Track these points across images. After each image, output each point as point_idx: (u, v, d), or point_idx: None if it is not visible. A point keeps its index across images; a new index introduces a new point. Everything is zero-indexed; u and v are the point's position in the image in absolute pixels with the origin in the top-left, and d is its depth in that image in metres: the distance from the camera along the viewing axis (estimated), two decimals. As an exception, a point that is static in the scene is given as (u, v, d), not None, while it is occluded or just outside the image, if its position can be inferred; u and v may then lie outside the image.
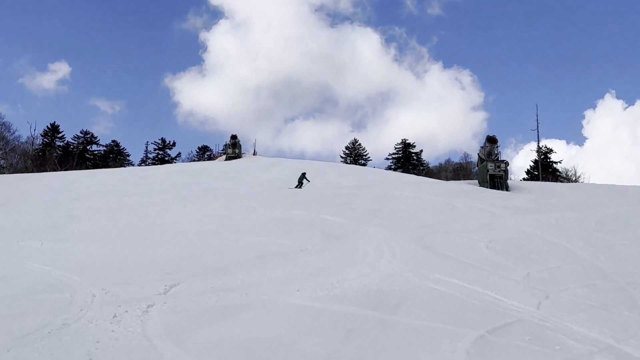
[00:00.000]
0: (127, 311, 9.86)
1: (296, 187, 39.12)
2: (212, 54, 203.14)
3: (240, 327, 9.36)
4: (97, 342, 8.40)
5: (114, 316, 9.59)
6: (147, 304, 10.31)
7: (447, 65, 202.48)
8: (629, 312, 11.28)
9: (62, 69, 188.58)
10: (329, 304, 10.82)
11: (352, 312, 10.35)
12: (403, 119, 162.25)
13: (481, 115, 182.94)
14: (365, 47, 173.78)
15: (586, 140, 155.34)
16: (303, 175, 41.54)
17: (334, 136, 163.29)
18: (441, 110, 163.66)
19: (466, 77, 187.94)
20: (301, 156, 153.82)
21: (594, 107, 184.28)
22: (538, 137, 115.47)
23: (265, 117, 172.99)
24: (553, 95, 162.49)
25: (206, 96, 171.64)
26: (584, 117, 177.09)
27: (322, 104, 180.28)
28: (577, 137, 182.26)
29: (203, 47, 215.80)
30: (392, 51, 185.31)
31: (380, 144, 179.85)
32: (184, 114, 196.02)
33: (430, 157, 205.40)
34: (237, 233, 18.37)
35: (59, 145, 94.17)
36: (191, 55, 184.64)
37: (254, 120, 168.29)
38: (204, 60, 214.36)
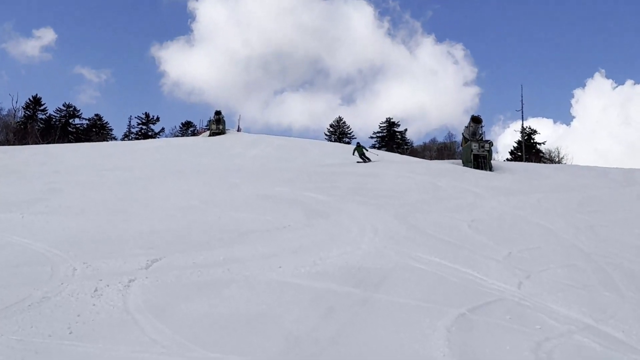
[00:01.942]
0: (108, 285, 9.83)
1: (364, 161, 36.91)
2: (201, 24, 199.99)
3: (221, 303, 9.36)
4: (78, 316, 8.38)
5: (95, 290, 9.56)
6: (129, 278, 10.28)
7: (439, 39, 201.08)
8: (608, 293, 11.38)
9: (47, 35, 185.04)
10: (310, 280, 10.84)
11: (333, 289, 10.37)
12: (394, 93, 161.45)
13: (473, 90, 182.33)
14: (359, 20, 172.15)
15: (574, 120, 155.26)
16: (361, 148, 38.31)
17: (323, 110, 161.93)
18: (433, 85, 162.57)
19: (459, 51, 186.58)
20: (288, 131, 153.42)
21: (583, 86, 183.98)
22: (522, 118, 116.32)
23: (254, 89, 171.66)
24: (544, 73, 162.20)
25: (194, 67, 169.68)
26: (573, 96, 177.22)
27: (312, 76, 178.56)
28: (564, 117, 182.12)
29: (192, 17, 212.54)
30: (386, 25, 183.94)
31: (370, 117, 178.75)
32: (170, 84, 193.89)
33: (420, 133, 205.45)
34: (219, 209, 18.32)
35: (41, 118, 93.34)
36: (179, 24, 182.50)
37: (242, 92, 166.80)
38: (192, 30, 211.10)
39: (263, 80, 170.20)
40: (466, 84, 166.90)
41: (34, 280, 10.01)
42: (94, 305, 8.87)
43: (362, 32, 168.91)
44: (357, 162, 36.47)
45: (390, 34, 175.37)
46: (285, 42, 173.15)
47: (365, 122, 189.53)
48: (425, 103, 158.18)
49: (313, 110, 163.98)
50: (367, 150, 38.62)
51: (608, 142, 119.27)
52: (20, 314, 8.37)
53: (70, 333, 7.72)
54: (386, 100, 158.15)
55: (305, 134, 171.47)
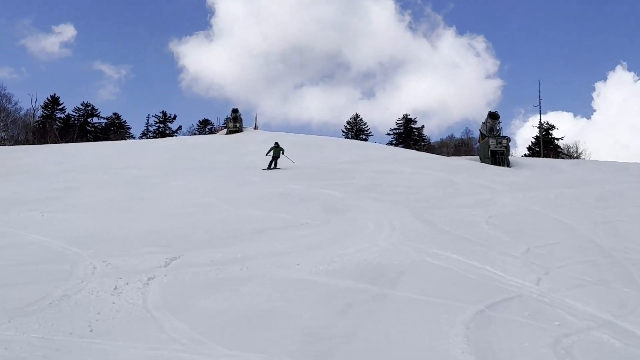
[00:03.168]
0: (127, 283, 9.91)
1: (270, 166, 31.37)
2: (220, 19, 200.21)
3: (239, 300, 9.41)
4: (98, 314, 8.45)
5: (115, 288, 9.64)
6: (148, 276, 10.35)
7: (460, 31, 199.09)
8: (627, 288, 11.31)
9: (67, 31, 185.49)
10: (327, 277, 10.86)
11: (350, 286, 10.38)
12: (415, 86, 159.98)
13: (495, 83, 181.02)
14: (379, 13, 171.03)
15: (594, 113, 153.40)
16: (278, 147, 32.52)
17: (343, 104, 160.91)
18: (455, 78, 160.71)
19: (480, 43, 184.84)
20: (307, 125, 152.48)
21: (604, 79, 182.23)
22: (540, 113, 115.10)
23: (273, 83, 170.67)
24: (565, 65, 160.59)
25: (213, 62, 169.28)
26: (594, 89, 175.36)
27: (332, 70, 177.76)
28: (585, 110, 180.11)
29: (211, 12, 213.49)
30: (407, 18, 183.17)
31: (390, 111, 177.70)
32: (189, 80, 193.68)
33: (441, 127, 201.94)
34: (237, 206, 18.39)
35: (60, 117, 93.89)
36: (198, 19, 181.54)
37: (261, 87, 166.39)
38: (211, 25, 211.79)
39: (282, 74, 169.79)
40: (488, 76, 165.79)
41: (54, 279, 10.10)
42: (113, 303, 8.95)
43: (382, 26, 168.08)
44: (262, 169, 31.02)
45: (412, 27, 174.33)
46: (304, 36, 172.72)
47: (385, 116, 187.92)
48: (447, 96, 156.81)
49: (333, 104, 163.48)
50: (283, 154, 32.31)
51: (630, 135, 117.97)
52: (41, 312, 8.45)
53: (90, 331, 7.79)
54: (407, 94, 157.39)
55: (324, 128, 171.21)
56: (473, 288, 10.72)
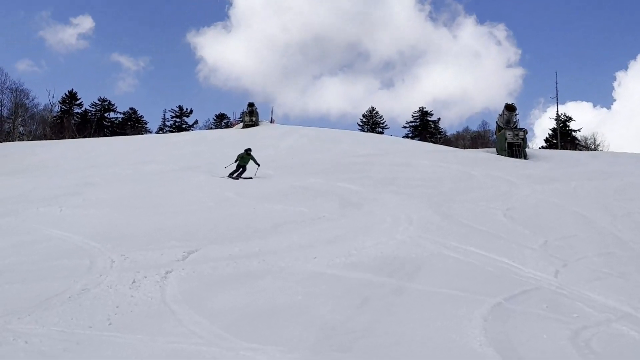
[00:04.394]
0: (146, 277, 9.96)
1: (234, 174, 26.35)
2: (238, 10, 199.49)
3: (257, 294, 9.43)
4: (117, 307, 8.50)
5: (133, 282, 9.69)
6: (166, 270, 10.40)
7: (481, 20, 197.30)
8: (647, 281, 11.25)
9: (85, 23, 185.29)
10: (345, 271, 10.86)
11: (368, 279, 10.38)
12: (435, 76, 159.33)
13: (517, 72, 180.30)
14: (400, 3, 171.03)
15: (614, 103, 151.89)
16: (248, 155, 27.38)
17: (362, 94, 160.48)
18: (476, 68, 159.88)
19: (501, 32, 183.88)
20: (326, 116, 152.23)
21: (625, 68, 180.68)
22: (557, 105, 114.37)
23: (292, 74, 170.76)
24: (585, 54, 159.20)
25: (231, 53, 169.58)
26: (615, 79, 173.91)
27: (352, 59, 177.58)
28: (605, 100, 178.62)
29: (229, 2, 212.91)
30: (427, 8, 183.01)
31: (411, 101, 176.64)
32: (207, 71, 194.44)
33: (462, 117, 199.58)
34: (253, 200, 18.43)
35: (77, 113, 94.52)
36: (216, 10, 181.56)
37: (280, 78, 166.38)
38: (229, 17, 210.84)
39: (302, 65, 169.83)
40: (509, 65, 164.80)
41: (73, 273, 10.17)
42: (132, 296, 8.99)
43: (403, 16, 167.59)
44: (227, 176, 26.32)
45: (432, 17, 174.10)
46: (324, 26, 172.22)
47: (405, 106, 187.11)
48: (468, 86, 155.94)
49: (352, 94, 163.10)
50: (255, 162, 26.96)
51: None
52: (60, 305, 8.51)
53: (109, 324, 7.84)
54: (427, 84, 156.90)
55: (343, 119, 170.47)
56: (491, 281, 10.69)
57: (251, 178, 25.58)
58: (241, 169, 26.57)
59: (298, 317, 8.39)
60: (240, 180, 24.63)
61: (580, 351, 7.48)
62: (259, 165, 26.57)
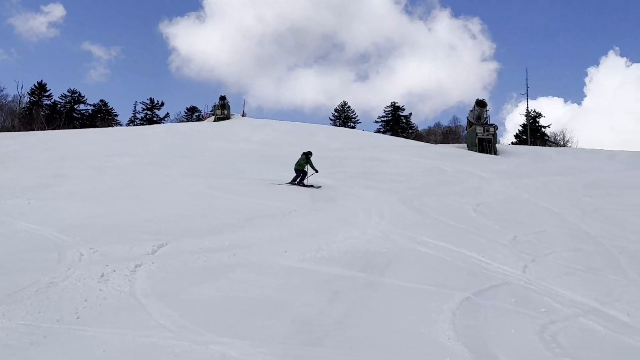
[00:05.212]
0: (115, 270, 9.86)
1: (297, 181, 22.23)
2: (212, 0, 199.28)
3: (228, 287, 9.39)
4: (85, 301, 8.41)
5: (102, 275, 9.59)
6: (135, 263, 10.31)
7: (455, 13, 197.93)
8: (614, 276, 11.40)
9: (55, 11, 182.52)
10: (317, 265, 10.87)
11: (340, 273, 10.40)
12: (411, 69, 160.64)
13: (492, 66, 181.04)
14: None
15: (585, 99, 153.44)
16: (307, 159, 22.78)
17: (337, 86, 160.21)
18: (451, 61, 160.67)
19: (476, 25, 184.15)
20: (300, 108, 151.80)
21: (597, 64, 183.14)
22: (527, 101, 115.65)
23: (266, 65, 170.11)
24: (558, 50, 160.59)
25: (205, 43, 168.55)
26: (586, 75, 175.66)
27: (327, 51, 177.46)
28: (576, 96, 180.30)
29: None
30: (403, 0, 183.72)
31: (386, 94, 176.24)
32: (180, 62, 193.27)
33: (436, 110, 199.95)
34: (226, 194, 18.35)
35: (47, 104, 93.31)
36: (190, 0, 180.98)
37: (254, 69, 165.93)
38: (203, 7, 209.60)
39: (276, 56, 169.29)
40: (484, 59, 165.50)
41: (41, 266, 10.04)
42: (100, 290, 8.91)
43: (378, 8, 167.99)
44: (288, 183, 22.16)
45: (408, 10, 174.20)
46: (300, 17, 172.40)
47: (380, 98, 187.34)
48: (443, 79, 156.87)
49: (327, 86, 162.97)
50: (312, 168, 22.58)
51: (625, 121, 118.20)
52: (28, 299, 8.41)
53: (77, 318, 7.75)
54: (403, 76, 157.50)
55: (317, 111, 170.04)
56: (461, 275, 10.78)
57: (311, 186, 21.58)
58: (301, 175, 22.22)
59: (269, 311, 8.38)
60: (213, 173, 24.40)
61: (548, 345, 7.56)
62: (316, 171, 22.31)
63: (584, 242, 14.14)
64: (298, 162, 22.54)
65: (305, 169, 22.18)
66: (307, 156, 22.62)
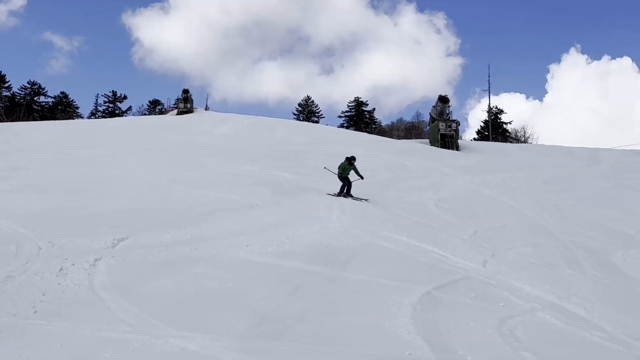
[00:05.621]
0: (74, 264, 9.75)
1: (344, 192, 19.44)
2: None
3: (189, 281, 9.34)
4: (43, 295, 8.30)
5: (61, 269, 9.47)
6: (95, 257, 10.20)
7: (420, 8, 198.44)
8: (571, 270, 11.57)
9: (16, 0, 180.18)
10: (278, 259, 10.87)
11: (301, 268, 10.41)
12: (376, 63, 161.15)
13: (457, 61, 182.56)
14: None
15: (546, 95, 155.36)
16: (350, 165, 20.08)
17: (301, 80, 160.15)
18: (416, 55, 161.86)
19: (441, 20, 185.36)
20: (264, 102, 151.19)
21: (558, 61, 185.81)
22: (489, 97, 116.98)
23: (231, 57, 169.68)
24: (521, 46, 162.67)
25: (168, 35, 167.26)
26: (548, 71, 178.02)
27: (292, 44, 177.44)
28: (537, 92, 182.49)
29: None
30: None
31: (351, 87, 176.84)
32: (143, 53, 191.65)
33: (401, 105, 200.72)
34: (187, 187, 18.23)
35: (5, 96, 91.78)
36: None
37: (219, 61, 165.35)
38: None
39: (241, 48, 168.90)
40: (449, 54, 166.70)
41: (-2, 259, 9.90)
42: (59, 284, 8.80)
43: (344, 2, 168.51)
44: (335, 194, 19.39)
45: (373, 4, 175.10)
46: (265, 9, 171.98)
47: (345, 91, 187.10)
48: (408, 74, 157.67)
49: (291, 80, 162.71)
50: (358, 174, 19.87)
51: (585, 117, 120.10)
52: (-16, 293, 8.28)
53: (35, 312, 7.66)
54: (369, 70, 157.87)
55: (281, 104, 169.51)
56: (422, 270, 10.86)
57: (366, 200, 18.78)
58: (348, 185, 19.73)
59: (229, 305, 8.36)
60: (174, 167, 24.20)
61: (506, 339, 7.65)
62: (362, 178, 19.91)
63: (543, 238, 14.33)
64: (342, 169, 19.98)
65: (349, 176, 19.75)
66: (350, 161, 20.12)
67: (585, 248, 13.51)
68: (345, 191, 19.33)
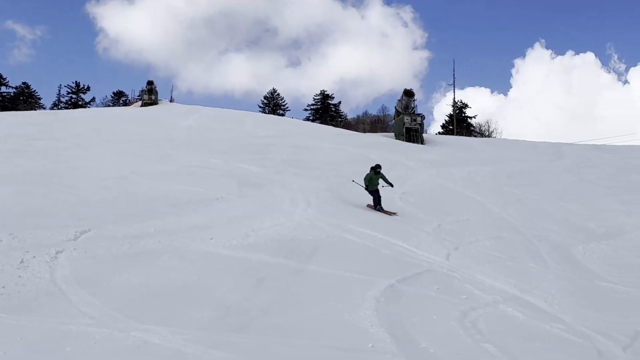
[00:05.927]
0: (35, 257, 9.62)
1: (377, 206, 17.51)
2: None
3: (152, 274, 9.28)
4: (3, 288, 8.19)
5: (21, 262, 9.35)
6: (56, 249, 10.08)
7: (387, 1, 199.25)
8: (534, 264, 11.72)
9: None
10: (242, 251, 10.84)
11: (265, 261, 10.40)
12: (343, 56, 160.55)
13: (424, 55, 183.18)
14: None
15: (511, 89, 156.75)
16: (377, 174, 18.34)
17: (268, 72, 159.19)
18: (383, 48, 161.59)
19: (408, 13, 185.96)
20: (230, 93, 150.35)
21: (523, 55, 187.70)
22: (454, 91, 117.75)
23: (196, 48, 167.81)
24: (487, 40, 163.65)
25: (133, 25, 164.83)
26: (513, 66, 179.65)
27: (259, 36, 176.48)
28: (502, 86, 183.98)
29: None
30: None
31: (318, 80, 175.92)
32: (107, 43, 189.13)
33: (368, 97, 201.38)
34: (151, 180, 18.08)
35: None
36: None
37: (184, 52, 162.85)
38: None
39: (207, 40, 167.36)
40: (416, 48, 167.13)
41: (-43, 252, 9.74)
42: (19, 277, 8.69)
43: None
44: (368, 205, 17.82)
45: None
46: (233, 1, 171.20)
47: (312, 84, 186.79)
48: (375, 67, 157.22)
49: (258, 72, 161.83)
50: (387, 182, 18.36)
51: (549, 112, 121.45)
52: (-58, 286, 8.15)
53: (-6, 305, 7.56)
54: (335, 63, 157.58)
55: (247, 97, 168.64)
56: (386, 263, 10.91)
57: (395, 214, 16.96)
58: (378, 198, 17.84)
59: (193, 298, 8.33)
60: (138, 159, 23.99)
61: (468, 331, 7.73)
62: (391, 185, 18.66)
63: (506, 231, 14.49)
64: (368, 180, 18.17)
65: (378, 188, 18.04)
66: (375, 170, 18.45)
67: (547, 241, 13.70)
68: (378, 206, 17.56)
